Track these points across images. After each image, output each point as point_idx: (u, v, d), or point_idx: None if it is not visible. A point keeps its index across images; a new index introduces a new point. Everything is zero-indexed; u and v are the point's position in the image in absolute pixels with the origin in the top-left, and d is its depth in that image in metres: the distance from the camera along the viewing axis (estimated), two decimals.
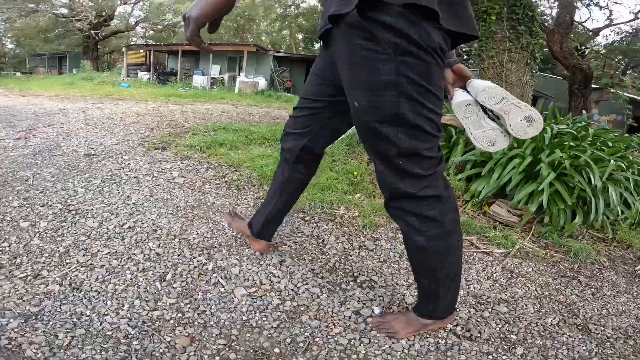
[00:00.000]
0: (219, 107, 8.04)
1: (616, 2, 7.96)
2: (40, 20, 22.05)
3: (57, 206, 1.91)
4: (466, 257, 1.85)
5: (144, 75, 15.87)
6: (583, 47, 9.77)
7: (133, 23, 22.40)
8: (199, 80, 14.60)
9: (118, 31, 22.12)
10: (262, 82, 13.46)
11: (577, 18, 7.97)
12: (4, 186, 2.17)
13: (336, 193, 2.36)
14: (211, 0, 0.83)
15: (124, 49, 16.45)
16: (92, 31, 19.17)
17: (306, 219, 2.02)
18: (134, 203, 2.00)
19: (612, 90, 11.43)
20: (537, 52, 4.20)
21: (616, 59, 12.90)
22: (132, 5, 22.00)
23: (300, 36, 21.97)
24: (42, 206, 1.90)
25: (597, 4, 8.18)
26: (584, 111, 9.29)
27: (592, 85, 8.77)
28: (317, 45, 22.57)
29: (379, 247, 1.83)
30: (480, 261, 1.82)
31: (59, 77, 18.34)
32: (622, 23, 9.84)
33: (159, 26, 22.37)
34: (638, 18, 9.14)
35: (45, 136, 3.52)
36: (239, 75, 15.07)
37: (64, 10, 20.32)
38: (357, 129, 0.94)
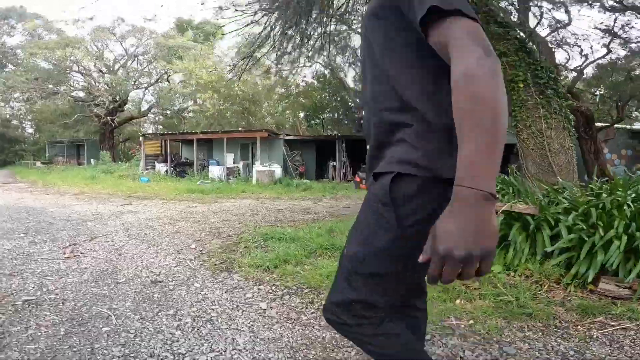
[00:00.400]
0: (245, 203, 8.50)
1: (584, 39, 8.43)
2: (60, 104, 23.57)
3: (167, 356, 1.80)
4: (609, 336, 2.00)
5: (161, 168, 16.57)
6: (575, 89, 10.42)
7: (145, 108, 24.21)
8: (215, 171, 15.19)
9: (132, 117, 23.63)
10: (278, 170, 14.15)
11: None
12: (86, 326, 2.07)
13: (435, 304, 2.40)
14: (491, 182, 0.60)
15: (141, 139, 17.53)
16: (108, 117, 20.61)
17: (427, 338, 1.99)
18: (244, 348, 1.91)
19: (616, 126, 12.10)
20: (570, 114, 4.34)
21: (607, 95, 13.72)
22: (144, 89, 23.78)
23: (302, 114, 23.50)
24: (151, 357, 1.80)
25: (570, 44, 8.77)
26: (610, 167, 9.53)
27: (596, 125, 8.94)
28: (317, 120, 23.96)
29: (521, 351, 1.87)
30: (625, 337, 1.99)
31: (79, 169, 19.29)
32: (600, 58, 10.67)
33: (168, 111, 23.89)
34: (611, 51, 9.93)
35: (95, 254, 3.63)
36: (252, 163, 15.92)
37: (82, 94, 22.03)
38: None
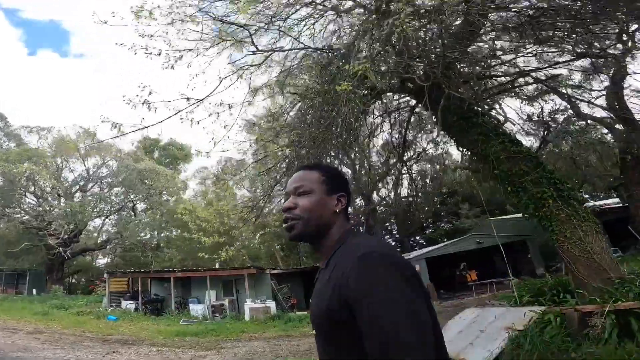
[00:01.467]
0: (259, 346, 7.88)
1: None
2: (6, 229, 20.86)
3: None
4: None
5: (129, 305, 14.93)
6: None
7: (104, 239, 22.40)
8: (197, 309, 14.22)
9: (87, 249, 21.61)
10: (272, 305, 13.63)
11: None
12: None
13: None
14: None
15: (105, 275, 15.91)
16: (61, 248, 18.45)
17: None
18: None
19: None
20: (595, 217, 4.93)
21: None
22: (104, 218, 22.30)
23: (277, 245, 23.95)
24: None
25: None
26: None
27: None
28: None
29: None
30: None
31: (22, 300, 16.38)
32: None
33: (128, 242, 21.66)
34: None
35: None
36: (237, 299, 15.20)
37: (32, 221, 19.47)
38: None
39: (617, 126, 10.84)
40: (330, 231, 1.00)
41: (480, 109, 6.30)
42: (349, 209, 1.09)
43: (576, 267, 5.48)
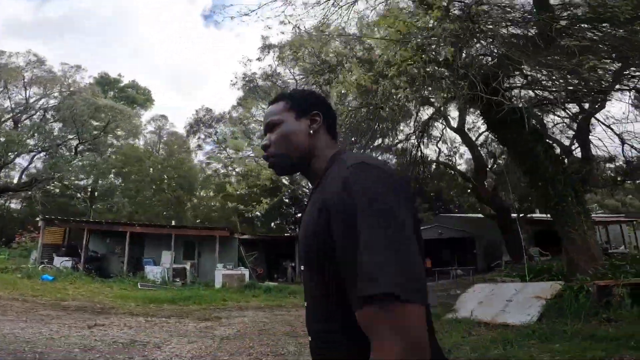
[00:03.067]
0: (258, 315, 7.75)
1: None
2: None
3: None
4: None
5: (65, 262, 12.98)
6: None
7: (27, 179, 18.91)
8: (155, 272, 13.17)
9: (7, 189, 17.97)
10: (247, 273, 13.33)
11: None
12: None
13: None
14: None
15: (40, 223, 13.61)
16: None
17: None
18: None
19: None
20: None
21: None
22: (34, 154, 18.74)
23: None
24: None
25: None
26: None
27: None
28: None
29: None
30: None
31: None
32: None
33: (60, 185, 19.16)
34: None
35: None
36: (198, 263, 14.49)
37: None
38: None
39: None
40: (314, 155, 0.93)
41: (531, 117, 7.26)
42: (336, 126, 1.02)
43: (576, 253, 6.81)
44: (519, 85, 7.38)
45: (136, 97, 23.33)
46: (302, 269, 0.85)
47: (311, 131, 0.93)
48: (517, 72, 6.94)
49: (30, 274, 11.46)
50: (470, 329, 5.47)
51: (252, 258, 14.94)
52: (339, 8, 8.04)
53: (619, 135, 8.22)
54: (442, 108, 10.53)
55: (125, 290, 11.13)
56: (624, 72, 6.48)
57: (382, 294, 0.60)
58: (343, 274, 0.69)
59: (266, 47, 14.70)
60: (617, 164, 13.50)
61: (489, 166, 15.62)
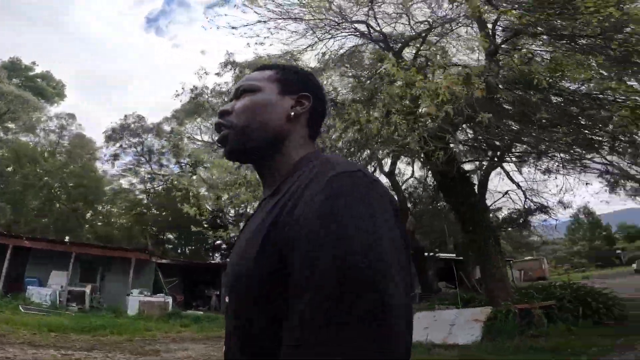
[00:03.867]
0: (202, 349, 7.08)
1: None
2: None
3: None
4: None
5: None
6: None
7: None
8: (42, 294, 10.75)
9: None
10: (170, 301, 11.83)
11: None
12: None
13: None
14: None
15: None
16: None
17: None
18: None
19: None
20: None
21: None
22: None
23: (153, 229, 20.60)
24: None
25: None
26: None
27: None
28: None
29: None
30: None
31: None
32: None
33: None
34: None
35: None
36: (99, 287, 12.34)
37: None
38: None
39: None
40: (283, 145, 0.69)
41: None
42: (319, 118, 0.76)
43: (492, 285, 8.41)
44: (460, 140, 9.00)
45: (45, 89, 19.61)
46: (227, 297, 0.64)
47: (292, 113, 0.70)
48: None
49: None
50: (429, 350, 6.14)
51: (172, 285, 13.48)
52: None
53: (524, 192, 10.59)
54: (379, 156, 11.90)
55: (2, 313, 8.84)
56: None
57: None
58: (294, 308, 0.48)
59: (229, 64, 14.40)
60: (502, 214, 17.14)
61: (410, 210, 17.75)
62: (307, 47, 10.14)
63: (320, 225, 0.49)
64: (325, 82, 9.02)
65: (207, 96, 16.75)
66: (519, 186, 10.31)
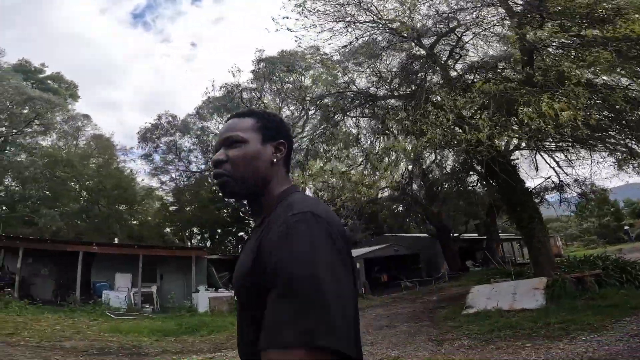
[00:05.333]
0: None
1: None
2: None
3: None
4: None
5: None
6: None
7: None
8: (119, 297, 11.77)
9: None
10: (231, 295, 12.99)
11: None
12: None
13: None
14: None
15: None
16: None
17: None
18: None
19: None
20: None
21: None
22: None
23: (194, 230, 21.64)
24: None
25: None
26: None
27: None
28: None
29: None
30: None
31: None
32: None
33: None
34: None
35: None
36: (161, 286, 13.37)
37: None
38: None
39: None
40: (269, 186, 0.91)
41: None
42: (291, 160, 1.01)
43: (539, 258, 9.76)
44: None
45: (59, 90, 20.05)
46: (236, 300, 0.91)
47: (274, 159, 0.92)
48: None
49: None
50: (502, 315, 7.51)
51: (225, 279, 14.67)
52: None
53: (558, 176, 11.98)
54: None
55: (95, 320, 9.82)
56: None
57: (310, 342, 0.63)
58: (264, 315, 0.69)
59: (262, 60, 15.29)
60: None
61: (437, 193, 19.10)
62: (345, 45, 11.23)
63: (276, 254, 0.72)
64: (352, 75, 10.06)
65: (238, 93, 17.64)
66: (555, 171, 11.59)
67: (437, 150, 11.83)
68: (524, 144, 9.74)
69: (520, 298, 8.06)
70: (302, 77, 14.96)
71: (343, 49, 11.30)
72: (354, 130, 11.37)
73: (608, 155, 10.85)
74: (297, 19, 9.91)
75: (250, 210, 0.97)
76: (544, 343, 5.04)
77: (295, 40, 10.07)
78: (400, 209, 21.55)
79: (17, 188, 15.47)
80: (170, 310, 12.17)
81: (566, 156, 10.97)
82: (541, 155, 11.56)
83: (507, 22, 8.45)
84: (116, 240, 14.28)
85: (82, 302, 11.43)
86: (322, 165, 8.57)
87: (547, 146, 10.06)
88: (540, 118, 5.51)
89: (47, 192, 14.87)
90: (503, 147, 9.22)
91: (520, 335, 5.79)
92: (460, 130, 7.22)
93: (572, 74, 5.70)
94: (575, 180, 13.37)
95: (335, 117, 10.34)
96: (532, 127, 5.93)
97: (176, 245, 14.61)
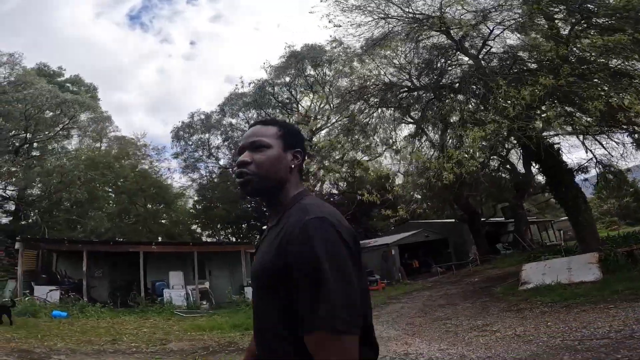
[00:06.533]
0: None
1: None
2: None
3: None
4: None
5: (52, 292, 11.13)
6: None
7: None
8: (176, 296, 12.46)
9: None
10: None
11: None
12: None
13: None
14: None
15: (18, 245, 11.46)
16: None
17: None
18: None
19: None
20: None
21: None
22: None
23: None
24: None
25: None
26: None
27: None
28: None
29: None
30: None
31: None
32: None
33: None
34: None
35: None
36: (210, 282, 13.98)
37: None
38: None
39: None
40: (285, 188, 1.08)
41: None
42: (303, 167, 1.20)
43: (585, 235, 10.67)
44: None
45: (80, 93, 20.59)
46: (252, 293, 1.07)
47: (292, 166, 1.09)
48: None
49: (33, 310, 9.60)
50: (564, 288, 8.38)
51: None
52: None
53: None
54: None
55: (169, 319, 10.41)
56: None
57: (333, 324, 0.83)
58: (297, 305, 0.88)
59: (293, 56, 15.90)
60: None
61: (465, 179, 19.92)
62: (381, 38, 11.96)
63: (300, 251, 0.90)
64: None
65: (270, 88, 18.23)
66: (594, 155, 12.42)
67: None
68: (569, 129, 10.48)
69: (577, 272, 8.94)
70: (339, 68, 15.64)
71: (378, 44, 12.09)
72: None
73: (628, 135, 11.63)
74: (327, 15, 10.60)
75: (267, 210, 1.14)
76: (625, 304, 5.88)
77: (330, 36, 10.86)
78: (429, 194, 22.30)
79: (63, 193, 16.09)
80: (226, 305, 12.82)
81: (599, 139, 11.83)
82: (579, 138, 12.37)
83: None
84: (160, 239, 14.98)
85: (158, 302, 12.05)
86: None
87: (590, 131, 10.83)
88: (609, 109, 6.30)
89: (86, 194, 15.55)
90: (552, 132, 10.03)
91: (596, 300, 6.64)
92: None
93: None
94: (599, 162, 14.12)
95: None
96: (597, 116, 6.70)
97: (225, 242, 15.34)
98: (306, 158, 1.18)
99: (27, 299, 10.62)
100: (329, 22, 11.22)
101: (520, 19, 9.32)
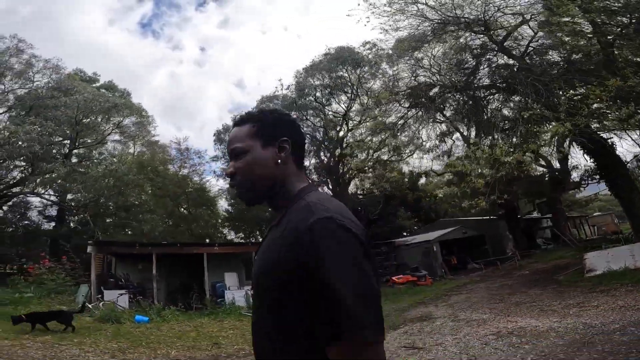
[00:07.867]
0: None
1: None
2: None
3: None
4: None
5: (121, 297, 11.59)
6: None
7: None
8: (240, 296, 12.87)
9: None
10: None
11: None
12: None
13: None
14: None
15: (90, 249, 12.27)
16: None
17: None
18: None
19: None
20: None
21: None
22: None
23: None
24: None
25: None
26: None
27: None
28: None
29: None
30: None
31: None
32: None
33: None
34: None
35: None
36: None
37: None
38: None
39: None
40: (284, 185, 1.03)
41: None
42: (304, 154, 1.12)
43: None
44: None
45: (116, 99, 21.66)
46: (252, 296, 1.04)
47: (279, 160, 1.02)
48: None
49: (114, 316, 9.78)
50: (634, 273, 9.10)
51: None
52: None
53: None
54: None
55: (240, 320, 10.77)
56: None
57: (359, 335, 0.80)
58: (315, 314, 0.84)
59: (337, 58, 16.71)
60: None
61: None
62: (431, 40, 12.82)
63: (312, 257, 0.84)
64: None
65: (311, 90, 18.98)
66: None
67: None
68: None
69: None
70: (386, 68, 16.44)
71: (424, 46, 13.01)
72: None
73: None
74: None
75: (272, 209, 1.09)
76: None
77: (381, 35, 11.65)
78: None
79: (118, 197, 16.88)
80: None
81: None
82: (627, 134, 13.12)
83: None
84: (207, 241, 15.75)
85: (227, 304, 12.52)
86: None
87: None
88: None
89: (142, 197, 16.41)
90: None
91: None
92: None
93: None
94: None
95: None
96: None
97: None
98: (301, 140, 1.10)
99: (101, 303, 10.94)
100: (365, 25, 12.12)
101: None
